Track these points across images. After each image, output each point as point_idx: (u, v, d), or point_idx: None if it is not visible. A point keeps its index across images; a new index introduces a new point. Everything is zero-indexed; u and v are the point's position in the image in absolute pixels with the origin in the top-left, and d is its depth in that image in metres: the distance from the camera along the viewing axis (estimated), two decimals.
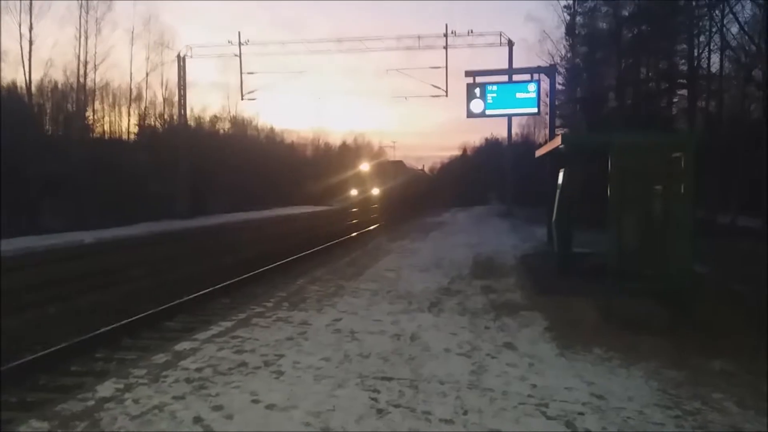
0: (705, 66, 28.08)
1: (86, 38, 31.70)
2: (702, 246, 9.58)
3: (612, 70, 31.03)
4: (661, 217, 7.67)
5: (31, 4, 29.30)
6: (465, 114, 17.00)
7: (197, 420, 4.13)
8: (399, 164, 43.17)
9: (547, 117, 21.95)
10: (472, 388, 4.84)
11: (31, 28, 29.51)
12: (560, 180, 10.61)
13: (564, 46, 34.32)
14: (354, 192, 40.22)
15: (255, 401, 4.51)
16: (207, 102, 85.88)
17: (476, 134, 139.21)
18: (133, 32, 36.01)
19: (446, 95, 30.21)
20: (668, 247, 7.37)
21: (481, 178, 65.79)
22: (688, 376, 5.19)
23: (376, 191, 37.58)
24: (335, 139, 76.59)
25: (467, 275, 10.90)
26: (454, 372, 5.24)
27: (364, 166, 41.60)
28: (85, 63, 31.86)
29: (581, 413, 4.31)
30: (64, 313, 9.43)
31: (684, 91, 28.71)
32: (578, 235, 10.93)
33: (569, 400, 4.58)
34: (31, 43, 29.66)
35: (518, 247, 15.60)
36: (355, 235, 22.03)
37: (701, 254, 9.51)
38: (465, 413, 4.30)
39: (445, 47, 30.54)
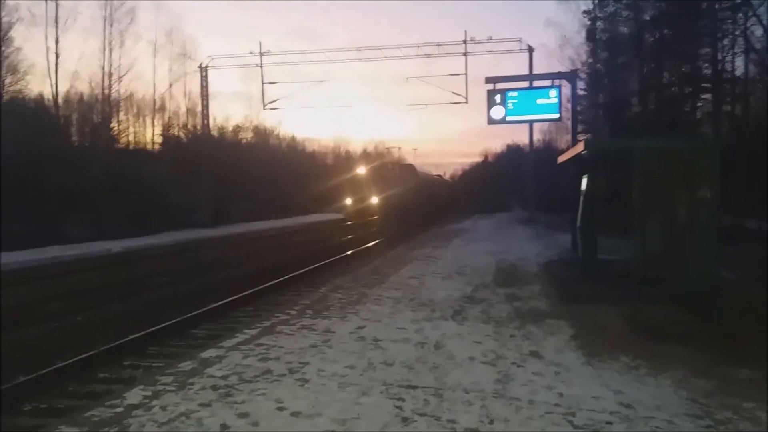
0: (729, 69, 27.68)
1: (110, 50, 32.27)
2: (728, 251, 9.42)
3: (634, 75, 30.71)
4: (685, 222, 7.58)
5: (57, 17, 29.93)
6: (485, 121, 16.97)
7: (224, 427, 4.16)
8: (408, 168, 35.94)
9: (569, 123, 21.82)
10: (498, 396, 4.81)
11: (57, 41, 30.11)
12: (583, 186, 10.53)
13: (585, 51, 34.09)
14: (348, 200, 31.82)
15: (280, 408, 4.53)
16: (229, 112, 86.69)
17: (497, 140, 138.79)
18: (155, 44, 36.55)
19: (466, 102, 30.19)
20: (692, 253, 7.28)
21: (503, 184, 65.44)
22: (718, 385, 5.09)
23: (376, 198, 29.83)
24: (356, 147, 77.01)
25: (491, 283, 10.83)
26: (479, 380, 5.21)
27: (361, 170, 32.35)
28: (110, 74, 32.41)
29: (609, 422, 4.26)
30: (92, 321, 9.57)
31: (708, 95, 28.30)
32: (602, 241, 10.84)
33: (596, 409, 4.52)
34: (57, 55, 30.26)
35: (542, 254, 15.47)
36: (371, 245, 21.62)
37: (727, 260, 9.35)
38: (491, 422, 4.27)
39: (465, 54, 30.56)
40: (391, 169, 32.43)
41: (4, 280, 13.24)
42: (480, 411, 4.48)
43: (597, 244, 10.59)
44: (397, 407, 4.56)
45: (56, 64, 30.32)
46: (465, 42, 30.49)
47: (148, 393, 4.91)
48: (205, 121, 35.79)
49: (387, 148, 50.78)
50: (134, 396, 4.84)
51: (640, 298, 7.08)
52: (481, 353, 6.10)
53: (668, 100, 29.79)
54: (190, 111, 39.99)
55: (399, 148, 41.93)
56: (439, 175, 54.51)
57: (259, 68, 32.37)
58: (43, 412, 5.88)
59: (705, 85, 28.33)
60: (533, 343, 6.48)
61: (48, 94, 31.19)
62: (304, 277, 13.51)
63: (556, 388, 5.01)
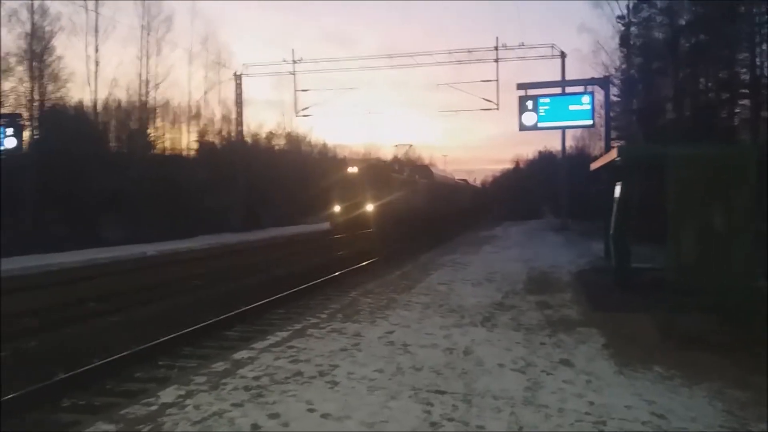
0: None
1: (148, 58, 33.04)
2: (766, 259, 9.19)
3: (669, 81, 30.18)
4: (722, 230, 7.43)
5: (96, 26, 30.78)
6: (517, 127, 16.88)
7: (255, 427, 4.24)
8: (423, 171, 30.78)
9: (602, 129, 21.54)
10: (527, 404, 4.79)
11: (96, 50, 30.98)
12: (617, 193, 10.40)
13: (618, 56, 33.64)
14: (338, 207, 23.42)
15: (310, 410, 4.59)
16: (262, 118, 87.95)
17: (529, 147, 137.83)
18: (191, 52, 37.30)
19: (497, 108, 30.02)
20: (729, 262, 7.13)
21: (535, 191, 64.79)
22: (754, 397, 4.98)
23: (375, 203, 22.87)
24: (386, 153, 77.08)
25: (521, 290, 10.76)
26: (508, 387, 5.19)
27: (353, 169, 24.47)
28: (147, 82, 33.17)
29: None
30: (127, 322, 9.79)
31: (746, 101, 27.64)
32: (636, 249, 10.68)
33: (628, 418, 4.47)
34: (97, 63, 31.10)
35: (574, 262, 15.30)
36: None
37: (765, 267, 9.12)
38: (519, 429, 4.25)
39: (496, 60, 30.44)
40: (395, 171, 25.54)
41: (41, 281, 13.65)
42: (509, 418, 4.47)
43: (630, 252, 10.43)
44: (426, 412, 4.58)
45: (96, 72, 31.20)
46: (497, 48, 30.38)
47: (182, 392, 5.02)
48: (239, 128, 36.36)
49: (395, 145, 43.82)
50: (169, 395, 4.96)
51: (675, 306, 6.96)
52: (511, 360, 6.07)
53: (704, 106, 29.18)
54: (224, 118, 40.66)
55: (410, 145, 37.15)
56: (464, 180, 51.58)
57: (291, 75, 32.77)
58: (81, 408, 6.05)
59: (743, 90, 27.70)
60: (564, 351, 6.43)
61: (87, 101, 32.09)
62: (333, 282, 13.59)
63: (587, 396, 4.96)
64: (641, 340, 6.89)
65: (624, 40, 32.96)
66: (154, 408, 4.66)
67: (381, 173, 23.98)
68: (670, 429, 4.27)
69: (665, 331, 6.96)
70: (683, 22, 29.83)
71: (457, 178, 49.53)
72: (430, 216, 28.03)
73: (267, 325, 9.25)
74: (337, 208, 23.29)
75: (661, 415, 4.54)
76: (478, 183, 76.29)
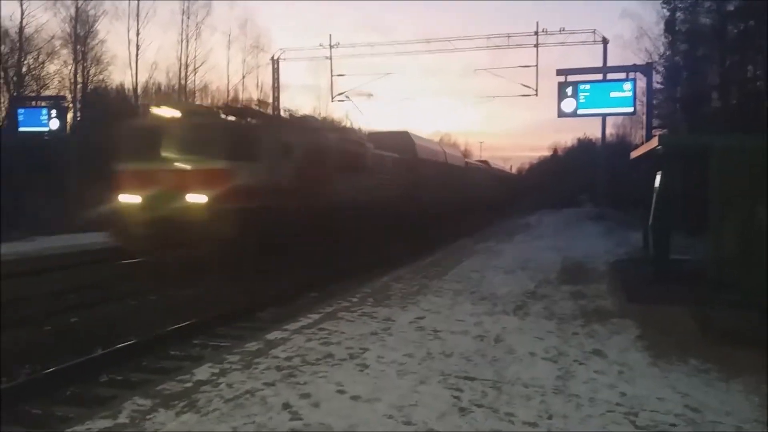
0: None
1: (187, 42, 33.57)
2: None
3: (715, 68, 29.21)
4: (766, 224, 7.19)
5: (138, 11, 31.28)
6: (555, 113, 16.61)
7: (286, 406, 4.31)
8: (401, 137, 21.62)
9: (644, 117, 21.03)
10: (558, 393, 4.75)
11: (138, 34, 31.63)
12: (657, 183, 10.17)
13: (663, 43, 32.69)
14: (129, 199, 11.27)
15: (340, 392, 4.65)
16: (299, 103, 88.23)
17: (568, 134, 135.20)
18: (230, 36, 37.67)
19: (536, 94, 29.51)
20: None
21: (572, 179, 63.71)
22: None
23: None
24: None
25: (555, 279, 10.64)
26: (539, 376, 5.16)
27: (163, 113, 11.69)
28: (186, 65, 33.71)
29: (673, 425, 4.13)
30: (164, 303, 9.95)
31: None
32: (675, 241, 10.44)
33: (661, 410, 4.40)
34: (138, 47, 31.75)
35: (611, 252, 15.04)
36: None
37: None
38: (549, 417, 4.23)
39: (536, 45, 29.84)
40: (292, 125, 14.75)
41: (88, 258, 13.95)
42: (539, 406, 4.45)
43: (669, 243, 10.20)
44: (455, 397, 4.59)
45: (137, 56, 31.85)
46: (536, 33, 29.80)
47: (216, 370, 5.13)
48: (276, 112, 36.61)
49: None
50: (203, 372, 5.08)
51: (713, 300, 6.79)
52: (543, 349, 6.03)
53: (752, 94, 28.20)
54: (261, 102, 40.90)
55: (481, 143, 34.39)
56: (484, 161, 43.44)
57: (328, 60, 32.78)
58: (118, 383, 6.24)
59: None
60: (597, 342, 6.35)
61: (128, 83, 32.79)
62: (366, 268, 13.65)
63: (619, 387, 4.90)
64: (677, 332, 6.76)
65: (669, 26, 32.00)
66: (188, 385, 4.77)
67: (251, 128, 12.25)
68: (704, 422, 4.19)
69: (702, 325, 6.81)
70: (731, 8, 28.78)
71: (475, 160, 41.89)
72: (406, 213, 18.69)
73: (299, 307, 9.35)
74: (127, 202, 11.15)
75: (695, 408, 4.46)
76: (513, 170, 75.47)
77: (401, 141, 21.16)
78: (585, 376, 5.17)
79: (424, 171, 21.78)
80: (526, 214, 37.12)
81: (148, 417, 4.07)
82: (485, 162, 43.04)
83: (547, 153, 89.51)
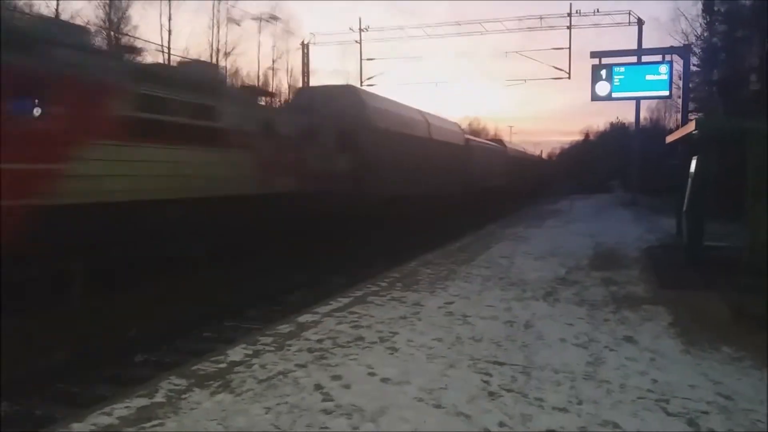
0: None
1: (218, 27, 33.80)
2: None
3: (755, 50, 28.32)
4: None
5: None
6: (589, 97, 16.36)
7: (317, 387, 4.40)
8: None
9: (679, 101, 20.57)
10: (588, 379, 4.75)
11: (170, 19, 31.95)
12: (693, 168, 9.98)
13: (700, 24, 31.79)
14: None
15: (371, 374, 4.72)
16: None
17: (600, 118, 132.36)
18: (260, 21, 37.82)
19: (569, 77, 29.06)
20: None
21: (604, 164, 62.69)
22: None
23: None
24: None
25: (586, 266, 10.55)
26: (569, 362, 5.15)
27: None
28: (217, 51, 33.99)
29: (705, 412, 4.10)
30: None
31: None
32: (709, 227, 10.25)
33: (693, 398, 4.36)
34: (170, 32, 32.13)
35: (643, 238, 14.82)
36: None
37: None
38: (579, 403, 4.23)
39: (569, 27, 29.34)
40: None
41: None
42: (569, 391, 4.45)
43: (703, 229, 10.03)
44: (484, 381, 4.62)
45: (169, 41, 32.18)
46: (569, 15, 29.27)
47: (249, 352, 5.25)
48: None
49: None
50: (236, 354, 5.20)
51: (749, 287, 6.66)
52: (573, 335, 6.01)
53: None
54: (291, 87, 41.16)
55: (511, 127, 30.92)
56: (499, 140, 39.07)
57: (357, 44, 32.71)
58: (153, 364, 6.44)
59: None
60: (628, 328, 6.30)
61: None
62: (389, 252, 13.71)
63: (650, 374, 4.87)
64: (710, 320, 6.67)
65: (707, 7, 31.08)
66: (222, 365, 4.90)
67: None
68: (736, 410, 4.15)
69: (737, 313, 6.70)
70: None
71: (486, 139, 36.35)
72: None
73: (329, 291, 9.47)
74: None
75: (728, 396, 4.41)
76: (543, 154, 74.50)
77: (344, 100, 14.60)
78: (616, 363, 5.15)
79: (383, 145, 15.05)
80: (557, 200, 36.71)
81: (183, 396, 4.19)
82: (499, 141, 38.09)
83: (579, 137, 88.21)
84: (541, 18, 30.07)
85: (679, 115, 17.93)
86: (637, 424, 3.89)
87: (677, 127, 14.79)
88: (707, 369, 5.02)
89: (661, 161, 28.59)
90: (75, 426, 3.70)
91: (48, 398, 5.59)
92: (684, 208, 10.58)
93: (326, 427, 3.72)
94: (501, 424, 3.83)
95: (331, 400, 4.15)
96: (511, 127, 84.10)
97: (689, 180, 10.28)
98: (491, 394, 4.37)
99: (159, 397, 4.15)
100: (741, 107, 26.33)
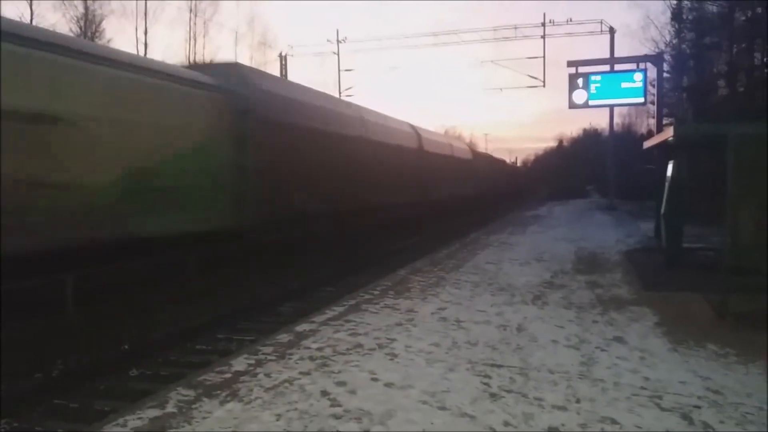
0: None
1: (195, 40, 33.73)
2: None
3: (722, 56, 29.15)
4: None
5: (146, 9, 31.41)
6: (562, 104, 16.89)
7: (324, 393, 4.50)
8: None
9: (651, 106, 21.09)
10: (583, 378, 4.93)
11: (146, 32, 31.76)
12: (669, 172, 10.30)
13: (669, 31, 32.60)
14: None
15: (374, 379, 4.83)
16: None
17: (573, 125, 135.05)
18: (237, 33, 37.96)
19: (543, 86, 29.63)
20: None
21: (579, 170, 63.72)
22: None
23: None
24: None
25: (570, 270, 10.80)
26: (563, 362, 5.33)
27: None
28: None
29: (697, 406, 4.30)
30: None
31: None
32: (686, 229, 10.58)
33: (684, 393, 4.57)
34: (146, 45, 31.92)
35: (623, 242, 15.18)
36: None
37: None
38: (577, 401, 4.40)
39: (543, 36, 29.99)
40: None
41: None
42: (566, 390, 4.62)
43: (682, 231, 10.34)
44: (484, 383, 4.77)
45: (145, 54, 31.94)
46: (544, 24, 29.90)
47: (252, 361, 5.33)
48: None
49: None
50: (240, 363, 5.28)
51: (729, 287, 6.93)
52: (564, 337, 6.20)
53: (760, 82, 28.15)
54: None
55: (486, 135, 27.67)
56: (470, 145, 35.51)
57: (335, 56, 32.95)
58: (149, 378, 6.47)
59: None
60: (616, 329, 6.51)
61: None
62: (384, 259, 13.86)
63: (641, 372, 5.07)
64: (694, 319, 6.93)
65: (676, 15, 31.92)
66: (228, 375, 4.97)
67: None
68: (726, 404, 4.35)
69: (720, 311, 6.97)
70: None
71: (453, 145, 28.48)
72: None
73: (319, 301, 9.56)
74: None
75: (717, 390, 4.62)
76: (520, 162, 75.36)
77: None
78: (608, 362, 5.34)
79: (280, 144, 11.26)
80: (536, 206, 37.18)
81: (194, 406, 4.27)
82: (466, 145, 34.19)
83: (553, 144, 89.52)
84: (515, 27, 30.68)
85: (651, 120, 18.41)
86: (634, 420, 4.07)
87: (649, 132, 15.20)
88: (695, 366, 5.24)
89: (636, 166, 29.21)
90: None
91: (47, 414, 5.59)
92: (662, 211, 10.90)
93: (338, 431, 3.84)
94: (506, 423, 3.98)
95: (339, 406, 4.26)
96: (486, 134, 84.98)
97: (666, 184, 10.59)
98: (493, 395, 4.52)
99: (170, 408, 4.21)
100: (710, 112, 27.06)
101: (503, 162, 47.43)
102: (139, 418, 4.04)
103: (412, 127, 21.39)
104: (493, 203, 32.67)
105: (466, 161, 28.55)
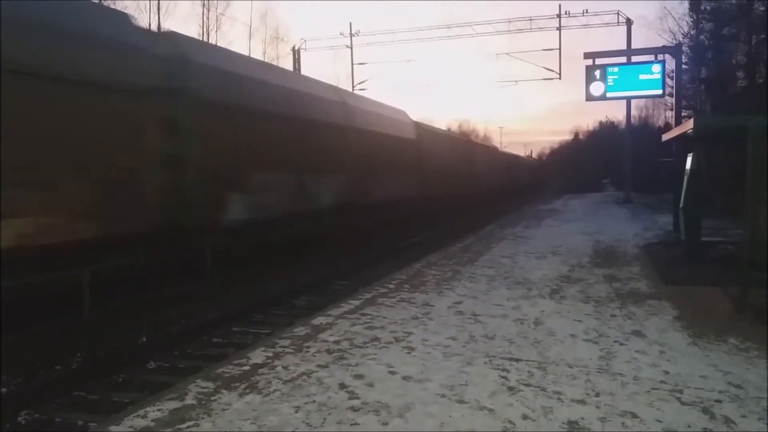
0: None
1: (208, 35, 33.83)
2: None
3: (741, 47, 28.73)
4: None
5: (159, 6, 31.55)
6: (579, 97, 16.98)
7: (342, 386, 4.51)
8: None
9: (668, 98, 20.83)
10: (602, 372, 4.89)
11: (159, 28, 31.87)
12: (688, 165, 10.18)
13: (687, 22, 32.21)
14: None
15: (391, 372, 4.83)
16: None
17: (589, 117, 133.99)
18: (250, 27, 37.97)
19: (560, 78, 29.39)
20: None
21: (595, 163, 63.18)
22: None
23: None
24: (441, 126, 76.64)
25: (587, 263, 10.72)
26: (581, 356, 5.29)
27: None
28: None
29: (718, 401, 4.25)
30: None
31: None
32: (705, 223, 10.46)
33: (705, 387, 4.52)
34: None
35: (641, 236, 15.04)
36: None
37: None
38: (597, 395, 4.37)
39: (559, 28, 29.72)
40: None
41: None
42: (585, 384, 4.59)
43: (701, 225, 10.23)
44: (503, 377, 4.75)
45: None
46: (559, 16, 29.62)
47: (270, 354, 5.35)
48: None
49: None
50: (257, 356, 5.30)
51: (749, 281, 6.84)
52: (582, 331, 6.15)
53: None
54: None
55: (501, 128, 25.25)
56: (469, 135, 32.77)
57: (348, 49, 32.91)
58: (175, 370, 6.52)
59: None
60: (635, 323, 6.45)
61: None
62: (395, 253, 13.85)
63: (661, 366, 5.02)
64: (714, 313, 6.84)
65: (694, 5, 31.49)
66: (246, 368, 4.99)
67: None
68: (747, 398, 4.30)
69: (740, 305, 6.88)
70: None
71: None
72: None
73: (335, 295, 9.58)
74: None
75: (738, 385, 4.57)
76: (534, 155, 74.91)
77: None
78: (627, 356, 5.29)
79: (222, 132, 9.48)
80: (551, 199, 36.94)
81: (213, 398, 4.29)
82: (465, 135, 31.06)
83: (569, 137, 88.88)
84: (530, 19, 30.42)
85: (668, 113, 18.20)
86: (654, 414, 4.03)
87: (667, 125, 15.03)
88: (716, 360, 5.18)
89: (653, 159, 28.91)
90: (113, 428, 3.79)
91: (67, 405, 5.65)
92: (681, 205, 10.78)
93: (356, 424, 3.84)
94: (525, 417, 3.96)
95: (357, 398, 4.27)
96: (501, 128, 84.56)
97: (685, 177, 10.46)
98: (511, 388, 4.50)
99: (189, 400, 4.24)
100: (729, 103, 26.70)
101: (496, 149, 40.36)
102: (159, 410, 4.08)
103: (406, 115, 19.42)
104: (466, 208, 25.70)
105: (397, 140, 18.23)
